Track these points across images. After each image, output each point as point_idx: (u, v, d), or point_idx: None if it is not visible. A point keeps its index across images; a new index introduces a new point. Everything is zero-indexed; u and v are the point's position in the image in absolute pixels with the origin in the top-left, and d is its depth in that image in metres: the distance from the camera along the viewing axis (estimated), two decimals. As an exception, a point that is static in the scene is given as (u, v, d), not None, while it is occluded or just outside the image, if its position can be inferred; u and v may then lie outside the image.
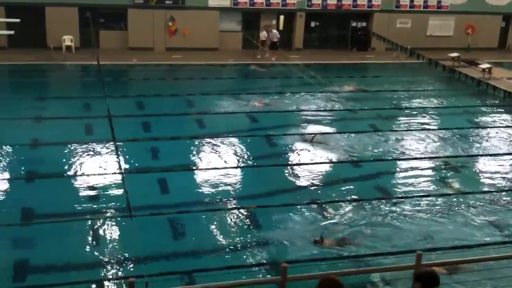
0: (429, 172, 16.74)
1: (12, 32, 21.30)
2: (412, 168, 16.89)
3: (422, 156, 17.82)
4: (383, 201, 14.49)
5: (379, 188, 15.34)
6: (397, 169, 16.99)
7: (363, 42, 33.28)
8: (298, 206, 14.00)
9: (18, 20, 21.53)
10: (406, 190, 15.31)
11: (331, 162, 17.10)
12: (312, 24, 32.95)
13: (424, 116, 22.05)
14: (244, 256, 11.79)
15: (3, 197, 13.95)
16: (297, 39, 32.28)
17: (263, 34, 30.16)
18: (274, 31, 30.36)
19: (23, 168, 15.59)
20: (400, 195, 14.94)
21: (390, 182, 15.83)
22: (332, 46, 32.91)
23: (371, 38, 32.94)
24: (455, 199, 14.78)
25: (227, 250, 12.00)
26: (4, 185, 14.60)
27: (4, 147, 16.63)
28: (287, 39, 32.27)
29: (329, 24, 33.30)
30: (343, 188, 15.21)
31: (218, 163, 16.46)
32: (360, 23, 33.31)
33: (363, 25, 33.38)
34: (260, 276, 11.10)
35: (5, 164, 15.76)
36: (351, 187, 15.35)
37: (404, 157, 17.73)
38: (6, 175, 15.16)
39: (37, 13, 27.85)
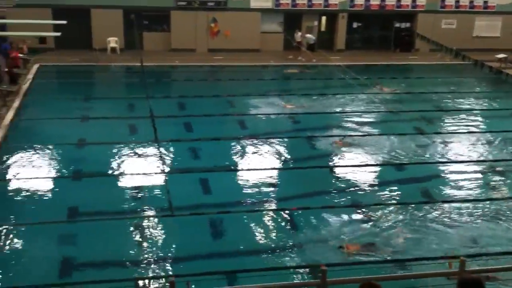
0: (475, 175, 16.35)
1: (59, 34, 21.84)
2: (457, 172, 16.53)
3: (467, 159, 17.42)
4: (426, 204, 14.24)
5: (422, 191, 15.07)
6: (441, 172, 16.64)
7: (406, 43, 32.82)
8: (338, 209, 13.89)
9: (64, 22, 22.07)
10: (450, 194, 15.01)
11: (373, 164, 16.90)
12: (355, 25, 32.67)
13: (469, 119, 21.57)
14: (283, 258, 11.76)
15: (51, 195, 14.33)
16: (339, 40, 32.06)
17: (298, 35, 30.03)
18: (309, 35, 30.16)
19: (70, 166, 15.99)
20: (443, 199, 14.63)
21: (434, 186, 15.53)
22: (375, 47, 32.56)
23: (415, 39, 32.44)
24: (501, 204, 14.39)
25: (266, 251, 12.00)
26: (52, 183, 15.01)
27: (52, 146, 17.09)
28: (329, 40, 32.08)
29: (372, 25, 32.95)
30: (385, 191, 15.01)
31: (259, 164, 16.50)
32: (404, 23, 32.86)
33: (406, 25, 32.92)
34: (299, 278, 11.07)
35: (53, 162, 16.19)
36: (394, 190, 15.14)
37: (448, 160, 17.39)
38: (55, 173, 15.57)
39: (83, 15, 28.49)
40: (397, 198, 14.63)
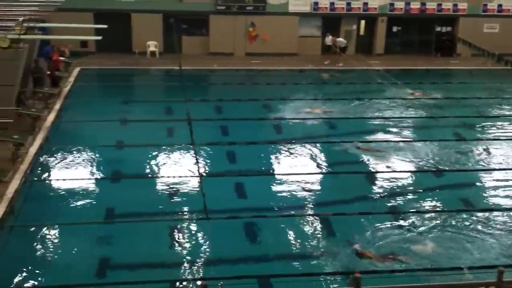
0: (516, 184, 15.93)
1: (99, 38, 22.25)
2: (498, 179, 16.11)
3: (509, 167, 16.96)
4: (465, 212, 13.92)
5: (461, 199, 14.75)
6: (481, 180, 16.24)
7: (447, 47, 32.22)
8: (375, 215, 13.71)
9: (105, 26, 22.47)
10: (490, 202, 14.66)
11: (411, 171, 16.63)
12: (394, 29, 32.27)
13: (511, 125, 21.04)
14: (317, 264, 11.67)
15: (89, 196, 14.58)
16: (378, 44, 31.72)
17: (328, 39, 29.75)
18: (340, 39, 29.86)
19: (108, 168, 16.25)
20: (482, 207, 14.29)
21: (473, 193, 15.18)
22: (415, 52, 32.06)
23: (456, 43, 31.84)
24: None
25: (300, 256, 11.92)
26: (91, 184, 15.28)
27: (91, 147, 17.41)
28: (368, 44, 31.79)
29: (412, 29, 32.48)
30: (423, 198, 14.75)
31: (294, 169, 16.43)
32: (445, 27, 32.28)
33: (448, 30, 32.33)
34: (333, 285, 10.97)
35: (92, 164, 16.48)
36: (432, 197, 14.87)
37: (489, 168, 16.98)
38: (93, 174, 15.85)
39: (123, 19, 28.98)
40: (435, 205, 14.35)
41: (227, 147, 17.86)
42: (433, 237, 12.69)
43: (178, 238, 12.58)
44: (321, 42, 30.97)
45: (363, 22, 31.83)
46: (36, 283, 10.92)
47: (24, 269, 11.24)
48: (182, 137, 17.87)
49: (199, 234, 12.71)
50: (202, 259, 11.74)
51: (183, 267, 11.47)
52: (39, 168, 15.84)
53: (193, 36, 30.51)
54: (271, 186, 15.41)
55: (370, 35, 31.93)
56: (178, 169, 16.13)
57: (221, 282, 10.68)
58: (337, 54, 29.42)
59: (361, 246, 12.04)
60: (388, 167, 16.75)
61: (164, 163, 16.61)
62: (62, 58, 24.68)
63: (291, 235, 12.78)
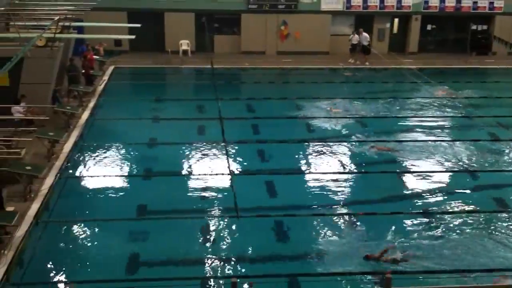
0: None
1: (133, 37, 22.50)
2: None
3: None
4: (499, 214, 13.66)
5: (496, 200, 14.48)
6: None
7: (483, 46, 31.54)
8: (407, 215, 13.56)
9: (139, 25, 22.70)
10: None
11: (446, 171, 16.38)
12: (429, 27, 31.75)
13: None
14: (348, 263, 11.57)
15: (122, 193, 14.79)
16: (412, 43, 31.28)
17: (355, 38, 29.28)
18: (365, 34, 29.32)
19: (140, 165, 16.46)
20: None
21: (509, 195, 14.87)
22: (450, 50, 31.50)
23: (492, 41, 31.18)
24: None
25: (331, 255, 11.84)
26: (123, 181, 15.49)
27: (124, 145, 17.65)
28: (401, 43, 31.39)
29: (447, 27, 31.91)
30: (457, 199, 14.53)
31: (326, 168, 16.36)
32: (481, 26, 31.63)
33: (483, 28, 31.65)
34: (364, 285, 10.89)
35: (125, 161, 16.71)
36: (466, 198, 14.64)
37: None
38: (126, 171, 16.07)
39: (156, 18, 29.25)
40: (469, 206, 14.11)
41: (258, 145, 17.88)
42: (465, 238, 12.48)
43: (209, 236, 12.65)
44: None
45: (396, 20, 31.43)
46: (69, 277, 11.13)
47: (58, 264, 11.46)
48: (214, 135, 17.97)
49: (229, 232, 12.76)
50: (232, 256, 11.78)
51: (213, 265, 11.54)
52: (73, 165, 16.13)
53: (225, 35, 30.59)
54: (302, 185, 15.38)
55: (403, 33, 31.51)
56: (209, 167, 16.21)
57: (251, 281, 10.70)
58: (360, 54, 28.93)
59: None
60: (422, 167, 16.52)
61: (196, 161, 16.73)
62: (96, 57, 25.03)
63: (321, 234, 12.73)
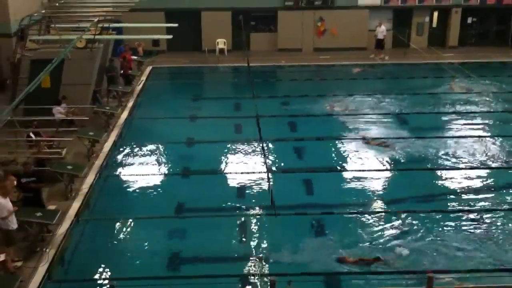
0: None
1: (170, 36, 22.71)
2: None
3: None
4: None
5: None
6: None
7: (525, 38, 30.68)
8: (449, 213, 13.30)
9: (176, 25, 22.89)
10: None
11: (485, 167, 15.99)
12: (469, 20, 31.03)
13: None
14: (388, 263, 11.42)
15: (161, 191, 14.94)
16: (452, 36, 30.62)
17: (381, 29, 28.24)
18: (383, 27, 28.68)
19: (179, 164, 16.62)
20: None
21: None
22: (491, 43, 30.74)
23: (535, 34, 30.28)
24: None
25: (368, 254, 11.70)
26: (162, 179, 15.66)
27: (163, 144, 17.84)
28: (441, 37, 30.77)
29: (488, 20, 31.14)
30: (500, 196, 14.18)
31: (364, 165, 16.17)
32: (524, 18, 30.74)
33: (526, 20, 30.77)
34: (403, 284, 10.73)
35: (163, 159, 16.90)
36: (507, 195, 14.27)
37: None
38: (164, 170, 16.25)
39: (193, 17, 29.44)
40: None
41: (295, 143, 17.81)
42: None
43: (246, 234, 12.67)
44: (392, 35, 30.19)
45: (435, 14, 30.82)
46: (109, 274, 11.30)
47: (98, 261, 11.66)
48: (251, 133, 17.95)
49: (267, 230, 12.75)
50: (270, 254, 11.77)
51: (251, 262, 11.55)
52: (113, 164, 16.39)
53: (261, 33, 30.57)
54: (339, 183, 15.24)
55: (443, 27, 30.87)
56: (247, 165, 16.25)
57: (290, 280, 10.66)
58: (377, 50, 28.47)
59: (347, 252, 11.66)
60: (461, 163, 16.19)
61: (233, 159, 16.77)
62: (134, 57, 25.36)
63: (359, 232, 12.59)
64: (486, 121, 19.86)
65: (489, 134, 18.61)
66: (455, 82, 24.05)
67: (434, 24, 30.87)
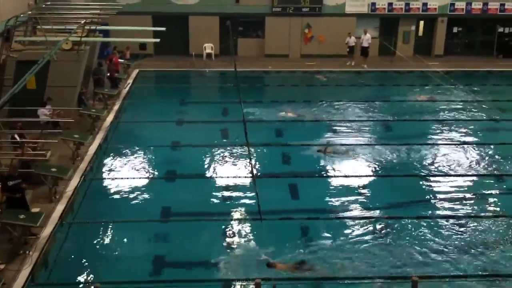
0: None
1: (158, 40, 22.68)
2: None
3: None
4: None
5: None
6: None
7: (510, 48, 31.06)
8: (434, 219, 13.39)
9: (163, 28, 22.86)
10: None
11: (472, 174, 16.13)
12: (455, 29, 31.38)
13: None
14: (374, 268, 11.46)
15: (146, 194, 14.83)
16: (437, 45, 30.92)
17: (351, 40, 28.71)
18: (368, 34, 29.00)
19: (164, 168, 16.51)
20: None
21: None
22: (476, 53, 31.10)
23: (519, 44, 30.66)
24: None
25: (357, 260, 11.74)
26: (147, 183, 15.56)
27: (148, 147, 17.75)
28: (427, 45, 31.06)
29: (473, 30, 31.51)
30: (483, 203, 14.32)
31: (349, 171, 16.21)
32: (508, 28, 31.12)
33: (510, 30, 31.15)
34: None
35: (149, 163, 16.80)
36: (494, 201, 14.41)
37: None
38: (150, 174, 16.15)
39: (181, 22, 29.41)
40: (495, 210, 13.89)
41: (281, 148, 17.82)
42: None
43: (231, 238, 12.64)
44: (378, 43, 30.39)
45: (422, 23, 31.12)
46: (93, 278, 11.19)
47: (82, 265, 11.56)
48: (237, 138, 17.95)
49: (252, 235, 12.73)
50: (255, 259, 11.73)
51: (235, 267, 11.51)
52: (98, 167, 16.27)
53: (249, 38, 30.63)
54: (325, 188, 15.27)
55: (429, 36, 31.17)
56: (233, 170, 16.23)
57: (274, 283, 10.65)
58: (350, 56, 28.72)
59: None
60: (448, 170, 16.32)
61: (219, 164, 16.73)
62: (121, 60, 25.25)
63: (345, 238, 12.62)
64: (471, 128, 20.04)
65: (473, 140, 18.78)
66: (441, 90, 24.23)
67: (420, 33, 31.16)
